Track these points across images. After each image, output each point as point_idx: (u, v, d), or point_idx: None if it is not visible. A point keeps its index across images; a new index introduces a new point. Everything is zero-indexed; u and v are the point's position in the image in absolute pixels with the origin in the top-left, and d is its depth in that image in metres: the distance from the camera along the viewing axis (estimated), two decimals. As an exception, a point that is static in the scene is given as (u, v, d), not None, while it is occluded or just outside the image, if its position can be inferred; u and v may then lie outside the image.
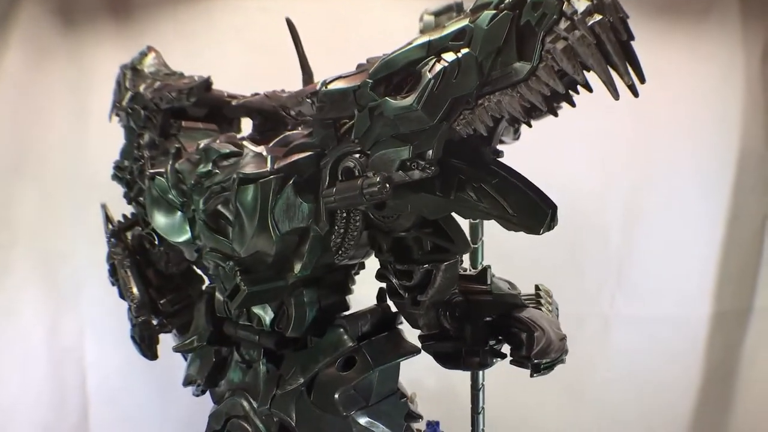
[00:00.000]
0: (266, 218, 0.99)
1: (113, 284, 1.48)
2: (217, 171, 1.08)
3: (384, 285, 1.15)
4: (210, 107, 1.33)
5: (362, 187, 0.87)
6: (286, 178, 0.98)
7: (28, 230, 2.59)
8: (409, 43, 0.85)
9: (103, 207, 1.49)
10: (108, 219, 1.47)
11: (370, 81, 0.87)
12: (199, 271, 1.48)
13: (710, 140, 2.31)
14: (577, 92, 0.82)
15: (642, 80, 0.75)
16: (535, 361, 0.94)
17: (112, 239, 1.41)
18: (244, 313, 1.20)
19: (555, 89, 0.76)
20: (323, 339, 1.11)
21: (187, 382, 1.32)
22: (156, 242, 1.37)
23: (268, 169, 0.99)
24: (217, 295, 1.25)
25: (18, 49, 2.51)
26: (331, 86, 0.92)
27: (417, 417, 1.16)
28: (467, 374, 1.44)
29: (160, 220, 1.18)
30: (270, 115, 1.20)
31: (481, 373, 1.33)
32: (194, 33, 2.46)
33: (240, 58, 2.24)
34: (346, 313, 1.18)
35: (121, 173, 1.37)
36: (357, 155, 0.91)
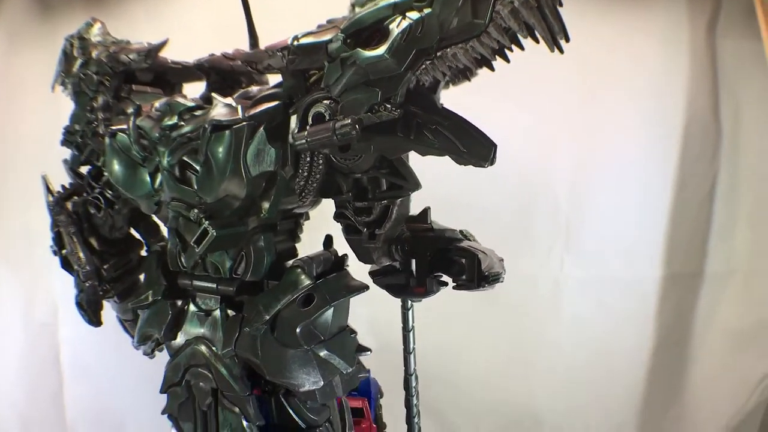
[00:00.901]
0: (239, 163, 1.08)
1: (55, 254, 1.47)
2: (183, 123, 1.15)
3: (333, 235, 1.29)
4: (155, 72, 1.39)
5: (335, 129, 1.00)
6: (258, 125, 1.08)
7: (2, 210, 2.74)
8: (376, 4, 0.99)
9: (44, 177, 1.48)
10: (49, 189, 1.46)
11: (342, 35, 1.00)
12: (138, 236, 1.51)
13: (657, 108, 2.42)
14: (512, 51, 1.01)
15: (567, 39, 0.95)
16: (486, 273, 1.11)
17: (56, 208, 1.41)
18: (199, 264, 1.26)
19: (502, 44, 0.94)
20: (283, 279, 1.21)
21: (143, 339, 1.35)
22: (103, 206, 1.38)
23: (241, 116, 1.09)
24: (170, 249, 1.29)
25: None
26: (303, 40, 1.04)
27: (366, 349, 1.29)
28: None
29: (120, 175, 1.22)
30: (226, 74, 1.28)
31: (411, 315, 1.47)
32: (163, 15, 2.58)
33: (209, 37, 2.28)
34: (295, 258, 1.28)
35: (71, 137, 1.38)
36: (327, 101, 1.03)
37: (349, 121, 0.99)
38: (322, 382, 1.18)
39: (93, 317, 1.47)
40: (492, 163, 1.01)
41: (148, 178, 1.20)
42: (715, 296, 2.54)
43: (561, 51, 0.95)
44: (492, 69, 1.04)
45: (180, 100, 1.17)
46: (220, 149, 1.08)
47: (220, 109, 1.11)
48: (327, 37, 1.02)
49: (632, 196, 2.48)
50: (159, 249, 1.38)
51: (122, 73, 1.31)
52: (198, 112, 1.15)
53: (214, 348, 1.23)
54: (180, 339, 1.29)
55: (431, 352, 2.39)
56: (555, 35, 0.92)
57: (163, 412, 1.34)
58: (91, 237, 1.44)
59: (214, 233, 1.12)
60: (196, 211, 1.15)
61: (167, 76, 1.40)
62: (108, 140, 1.23)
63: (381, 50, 0.97)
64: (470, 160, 1.00)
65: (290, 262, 1.27)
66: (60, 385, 2.92)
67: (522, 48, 0.98)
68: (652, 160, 2.45)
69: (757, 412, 2.52)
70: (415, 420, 1.48)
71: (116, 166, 1.22)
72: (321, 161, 1.10)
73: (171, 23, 2.54)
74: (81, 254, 1.40)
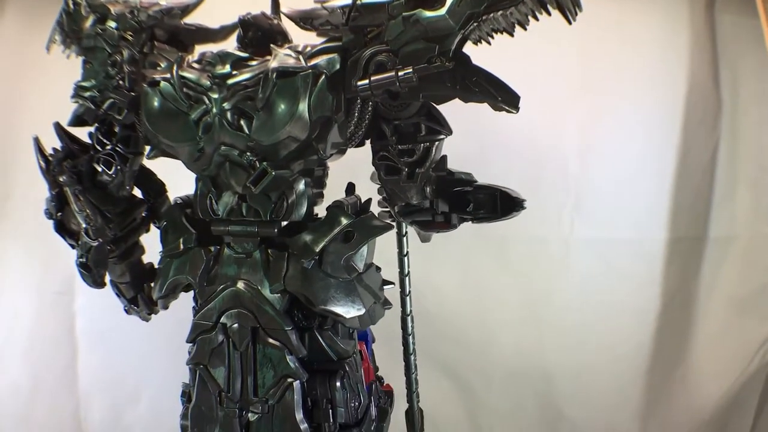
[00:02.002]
0: (304, 107, 1.19)
1: (50, 217, 1.41)
2: (236, 72, 1.23)
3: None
4: (170, 33, 1.42)
5: (398, 76, 1.17)
6: (320, 73, 1.21)
7: (23, 182, 2.76)
8: None
9: (36, 140, 1.41)
10: (41, 152, 1.40)
11: (403, -4, 1.18)
12: (140, 196, 1.50)
13: (660, 79, 2.51)
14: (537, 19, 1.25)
15: (579, 10, 1.21)
16: (519, 199, 1.34)
17: (56, 168, 1.35)
18: (234, 210, 1.32)
19: (535, 11, 1.18)
20: (325, 218, 1.33)
21: (170, 288, 1.35)
22: (116, 162, 1.37)
23: (305, 65, 1.20)
24: (200, 198, 1.34)
25: (12, 12, 2.77)
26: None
27: (389, 283, 1.44)
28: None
29: (163, 123, 1.25)
30: (265, 32, 1.35)
31: (407, 260, 1.64)
32: None
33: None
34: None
35: (83, 92, 1.34)
36: (386, 54, 1.20)
37: (410, 69, 1.17)
38: (364, 310, 1.32)
39: (98, 278, 1.44)
40: (518, 109, 1.25)
41: (193, 125, 1.24)
42: (718, 260, 2.64)
43: (569, 23, 1.22)
44: (511, 35, 1.28)
45: (230, 50, 1.25)
46: (287, 94, 1.18)
47: (283, 58, 1.21)
48: (389, -3, 1.18)
49: (638, 161, 2.59)
50: (180, 201, 1.40)
51: (149, 28, 1.33)
52: (252, 63, 1.24)
53: (257, 287, 1.30)
54: (216, 284, 1.33)
55: (443, 311, 2.59)
56: (576, 6, 1.19)
57: (188, 363, 1.36)
58: (92, 197, 1.41)
59: (273, 173, 1.22)
60: (248, 154, 1.23)
61: (180, 37, 1.43)
62: (149, 90, 1.25)
63: (442, 11, 1.16)
64: (504, 107, 1.22)
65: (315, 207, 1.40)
66: (74, 354, 2.84)
67: (537, 18, 1.24)
68: (656, 128, 2.56)
69: (760, 374, 2.59)
70: (412, 358, 1.65)
71: (159, 115, 1.25)
72: (369, 108, 1.26)
73: None
74: (89, 212, 1.37)
